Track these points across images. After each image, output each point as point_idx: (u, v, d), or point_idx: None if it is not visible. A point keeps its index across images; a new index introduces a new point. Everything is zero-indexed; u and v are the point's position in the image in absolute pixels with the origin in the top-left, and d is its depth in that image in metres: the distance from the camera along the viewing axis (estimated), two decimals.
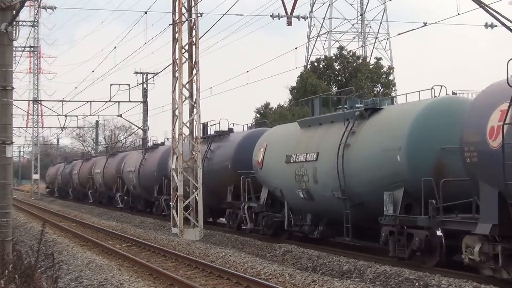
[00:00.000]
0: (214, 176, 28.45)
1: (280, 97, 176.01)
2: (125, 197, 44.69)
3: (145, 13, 30.99)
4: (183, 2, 27.21)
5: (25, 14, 79.99)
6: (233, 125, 30.60)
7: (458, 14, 21.33)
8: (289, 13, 24.95)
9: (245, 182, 25.64)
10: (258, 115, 54.52)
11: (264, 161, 24.15)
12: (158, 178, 36.57)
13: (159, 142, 42.39)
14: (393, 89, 50.18)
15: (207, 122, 31.66)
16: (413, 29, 25.16)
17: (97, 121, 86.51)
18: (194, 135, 27.66)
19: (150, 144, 42.80)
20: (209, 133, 31.37)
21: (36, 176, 75.43)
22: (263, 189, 24.87)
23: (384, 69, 50.85)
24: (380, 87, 49.08)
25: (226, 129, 30.40)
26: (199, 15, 27.36)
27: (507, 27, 16.16)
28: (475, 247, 14.17)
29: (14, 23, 16.11)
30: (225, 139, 29.54)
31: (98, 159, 55.47)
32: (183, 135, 27.34)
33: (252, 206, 25.30)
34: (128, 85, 48.68)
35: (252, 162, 25.38)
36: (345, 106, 20.43)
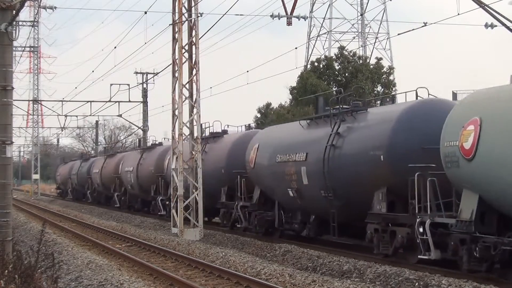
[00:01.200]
0: (208, 177, 28.43)
1: (280, 97, 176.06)
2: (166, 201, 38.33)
3: (145, 13, 30.99)
4: (183, 2, 27.21)
5: (25, 14, 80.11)
6: (227, 127, 31.17)
7: (458, 14, 21.32)
8: (289, 13, 24.94)
9: (240, 181, 26.07)
10: (259, 115, 54.51)
11: (256, 161, 24.66)
12: (155, 178, 36.60)
13: (157, 142, 42.28)
14: (394, 89, 50.17)
15: (201, 124, 31.66)
16: (413, 29, 25.14)
17: (97, 121, 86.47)
18: (194, 135, 27.67)
19: (149, 144, 42.83)
20: (203, 135, 31.46)
21: (36, 176, 75.45)
22: (255, 189, 25.36)
23: (384, 69, 50.84)
24: (380, 87, 49.06)
25: (220, 130, 30.96)
26: (199, 15, 27.37)
27: (507, 27, 16.18)
28: None
29: (14, 23, 16.10)
30: (219, 141, 29.91)
31: (127, 154, 46.38)
32: (183, 135, 27.35)
33: (245, 205, 25.81)
34: (128, 85, 48.69)
35: (245, 162, 25.78)
36: (334, 107, 20.98)
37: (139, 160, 40.36)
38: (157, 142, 42.27)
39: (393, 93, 19.58)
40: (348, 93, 23.74)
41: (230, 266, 18.26)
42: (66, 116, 54.16)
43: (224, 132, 30.81)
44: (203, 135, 31.17)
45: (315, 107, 45.56)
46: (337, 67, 49.79)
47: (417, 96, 18.40)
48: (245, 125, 30.90)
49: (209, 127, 31.46)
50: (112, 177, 46.51)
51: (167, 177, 33.71)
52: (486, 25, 25.38)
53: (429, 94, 18.57)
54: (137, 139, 53.88)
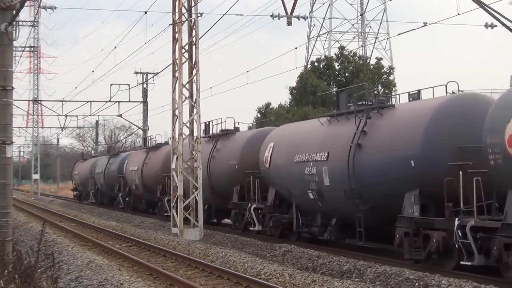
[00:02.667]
0: (219, 175, 28.16)
1: (280, 97, 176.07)
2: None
3: (145, 13, 31.01)
4: (183, 2, 27.21)
5: (25, 14, 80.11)
6: (238, 124, 30.07)
7: (458, 14, 21.32)
8: (289, 13, 24.93)
9: (254, 182, 25.09)
10: (259, 115, 54.51)
11: (271, 161, 23.67)
12: (161, 178, 35.18)
13: (163, 141, 40.67)
14: (394, 89, 50.16)
15: (210, 121, 31.28)
16: (413, 29, 25.14)
17: (97, 121, 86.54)
18: (194, 135, 27.67)
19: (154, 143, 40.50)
20: (212, 132, 30.89)
21: (36, 176, 75.44)
22: (270, 189, 24.37)
23: (385, 69, 50.85)
24: (380, 87, 49.04)
25: (232, 128, 29.71)
26: (199, 15, 27.38)
27: (507, 27, 16.18)
28: None
29: (14, 23, 16.10)
30: (231, 138, 28.85)
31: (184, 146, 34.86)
32: (183, 135, 27.35)
33: (259, 207, 24.85)
34: (128, 85, 48.71)
35: (258, 161, 24.89)
36: (358, 103, 19.89)
37: (211, 150, 30.27)
38: (162, 142, 40.63)
39: (420, 89, 18.22)
40: (374, 89, 23.78)
41: (230, 266, 18.26)
42: (66, 116, 54.17)
43: (236, 129, 29.72)
44: (213, 132, 30.61)
45: (315, 107, 45.67)
46: (337, 67, 49.79)
47: (446, 91, 17.33)
48: (256, 122, 30.51)
49: (221, 123, 30.21)
50: (159, 177, 36.20)
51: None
52: (486, 25, 25.41)
53: (459, 89, 17.73)
54: (147, 138, 46.69)
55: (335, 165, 19.60)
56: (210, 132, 30.99)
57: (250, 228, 25.67)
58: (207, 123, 31.25)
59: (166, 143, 39.29)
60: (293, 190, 22.36)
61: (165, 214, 34.24)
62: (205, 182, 28.05)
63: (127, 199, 44.22)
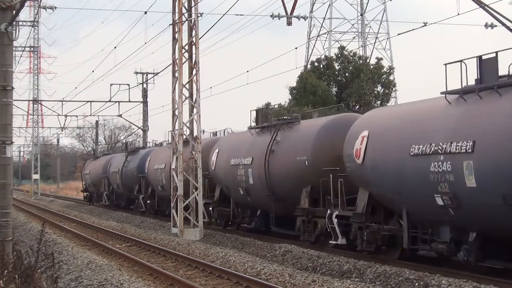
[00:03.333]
0: (281, 175, 23.78)
1: (280, 97, 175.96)
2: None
3: (145, 13, 31.00)
4: (183, 2, 27.22)
5: (25, 14, 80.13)
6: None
7: (458, 14, 21.33)
8: (289, 13, 24.95)
9: (336, 182, 24.79)
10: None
11: (216, 164, 27.88)
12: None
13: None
14: (394, 89, 50.16)
15: (262, 108, 32.41)
16: (413, 29, 25.16)
17: (97, 121, 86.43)
18: (194, 135, 27.67)
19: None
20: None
21: (36, 176, 75.45)
22: (216, 188, 28.68)
23: (385, 69, 50.81)
24: (380, 87, 49.03)
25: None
26: (199, 15, 27.38)
27: (507, 27, 16.18)
28: None
29: (14, 23, 16.10)
30: (296, 128, 24.41)
31: (224, 139, 30.19)
32: (183, 135, 27.36)
33: (208, 202, 29.01)
34: (128, 85, 48.70)
35: (342, 156, 23.67)
36: (275, 118, 25.09)
37: (269, 143, 24.61)
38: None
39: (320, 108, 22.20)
40: (286, 108, 26.88)
41: (230, 266, 18.27)
42: (66, 116, 54.15)
43: (296, 117, 25.29)
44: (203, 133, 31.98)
45: (314, 107, 45.62)
46: (337, 67, 49.77)
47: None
48: (212, 133, 32.60)
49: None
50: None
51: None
52: (486, 25, 25.42)
53: (344, 110, 23.13)
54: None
55: (257, 167, 24.56)
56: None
57: (330, 242, 20.52)
58: (262, 107, 32.64)
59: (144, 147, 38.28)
60: (230, 188, 27.13)
61: (204, 220, 28.27)
62: (263, 184, 24.08)
63: (149, 201, 38.91)
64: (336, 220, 19.49)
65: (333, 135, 21.05)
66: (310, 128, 22.43)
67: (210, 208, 29.27)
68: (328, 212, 19.85)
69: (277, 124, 24.09)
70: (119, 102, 49.87)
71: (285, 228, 24.86)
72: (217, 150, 28.29)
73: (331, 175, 19.83)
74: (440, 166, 15.26)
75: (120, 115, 51.95)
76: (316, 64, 50.57)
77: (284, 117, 25.13)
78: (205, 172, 28.12)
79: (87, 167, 58.18)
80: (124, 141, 75.04)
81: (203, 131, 31.72)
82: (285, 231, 25.13)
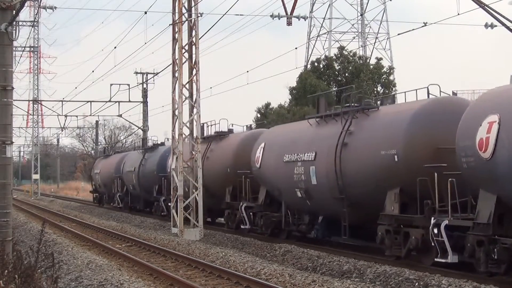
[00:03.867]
0: (213, 176, 28.21)
1: (280, 97, 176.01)
2: None
3: (145, 13, 31.00)
4: (183, 2, 27.22)
5: (25, 14, 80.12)
6: (232, 126, 30.50)
7: (458, 14, 21.33)
8: (289, 13, 24.94)
9: (245, 182, 25.67)
10: (258, 115, 54.52)
11: (262, 161, 24.02)
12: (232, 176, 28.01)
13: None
14: (393, 89, 50.17)
15: (205, 123, 31.21)
16: (413, 29, 25.16)
17: (97, 121, 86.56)
18: (194, 135, 27.67)
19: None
20: (207, 133, 31.07)
21: (36, 176, 75.45)
22: (261, 189, 24.79)
23: (385, 69, 50.85)
24: (380, 87, 49.08)
25: (226, 129, 30.19)
26: (199, 15, 27.39)
27: (507, 27, 16.18)
28: None
29: (14, 23, 16.10)
30: (225, 140, 29.25)
31: (268, 133, 26.50)
32: (183, 135, 27.36)
33: (250, 206, 25.31)
34: (128, 85, 48.68)
35: (250, 162, 25.15)
36: (345, 105, 20.52)
37: (205, 151, 29.18)
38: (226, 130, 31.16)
39: (404, 91, 18.94)
40: (359, 90, 23.40)
41: (230, 266, 18.26)
42: (66, 116, 54.15)
43: (230, 131, 29.99)
44: (207, 133, 30.89)
45: (314, 106, 45.65)
46: (337, 67, 49.79)
47: (428, 93, 17.64)
48: (247, 125, 30.18)
49: (214, 124, 30.46)
50: (228, 176, 27.55)
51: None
52: (486, 25, 25.41)
53: (441, 91, 17.91)
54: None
55: (322, 164, 20.15)
56: (205, 134, 30.84)
57: (241, 227, 26.02)
58: (202, 124, 30.68)
59: (231, 130, 30.73)
60: (283, 189, 22.91)
61: (241, 226, 26.63)
62: (331, 184, 24.09)
63: (171, 204, 31.91)
64: (445, 231, 15.41)
65: (433, 122, 17.05)
66: (398, 115, 18.28)
67: (251, 213, 25.35)
68: (433, 221, 15.64)
69: (349, 111, 19.91)
70: (119, 102, 49.87)
71: (361, 238, 20.63)
72: (262, 145, 24.31)
73: (435, 174, 15.85)
74: (298, 169, 18.24)
75: (120, 115, 51.96)
76: (316, 64, 50.60)
77: (217, 131, 28.13)
78: (245, 171, 25.54)
79: (97, 166, 53.42)
80: (125, 141, 74.27)
81: (232, 125, 30.50)
82: (361, 243, 20.94)
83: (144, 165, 38.42)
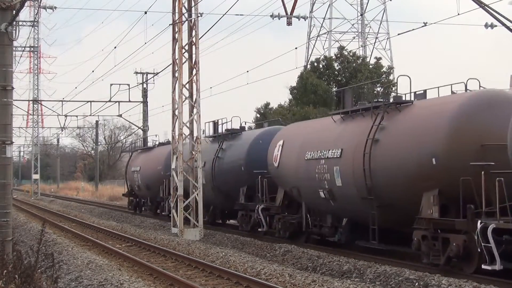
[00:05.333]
0: (226, 176, 27.23)
1: (280, 97, 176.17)
2: None
3: (145, 13, 31.01)
4: (183, 2, 27.22)
5: (25, 14, 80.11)
6: (245, 124, 29.55)
7: (458, 14, 21.33)
8: (289, 13, 24.95)
9: (262, 182, 24.31)
10: (258, 115, 54.52)
11: (280, 160, 22.64)
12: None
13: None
14: (393, 89, 50.13)
15: (218, 120, 29.93)
16: (413, 29, 25.18)
17: (97, 121, 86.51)
18: (194, 135, 27.67)
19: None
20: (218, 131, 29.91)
21: (36, 176, 75.47)
22: (279, 190, 23.53)
23: (384, 69, 50.84)
24: (380, 87, 49.05)
25: (238, 127, 28.86)
26: (199, 15, 27.39)
27: (507, 27, 16.17)
28: None
29: (14, 23, 16.10)
30: (238, 138, 27.93)
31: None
32: (183, 135, 27.35)
33: (267, 208, 24.04)
34: (128, 85, 48.68)
35: (266, 161, 23.91)
36: (375, 100, 19.46)
37: (217, 151, 28.35)
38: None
39: (437, 86, 17.31)
40: (392, 83, 21.62)
41: (230, 266, 18.26)
42: (66, 116, 54.16)
43: (243, 128, 28.98)
44: (219, 132, 29.81)
45: (316, 107, 45.66)
46: (337, 67, 49.79)
47: (466, 89, 16.56)
48: (257, 122, 28.77)
49: (226, 122, 29.21)
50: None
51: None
52: (486, 25, 25.44)
53: (480, 87, 16.86)
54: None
55: (349, 162, 18.58)
56: (220, 132, 29.68)
57: (258, 229, 24.92)
58: (216, 121, 30.11)
59: (243, 128, 29.29)
60: (304, 190, 21.36)
61: (259, 229, 25.38)
62: (210, 183, 27.23)
63: (274, 215, 25.20)
64: (493, 236, 13.81)
65: (479, 117, 15.48)
66: (436, 109, 16.61)
67: (267, 215, 24.20)
68: (480, 225, 14.01)
69: (381, 106, 18.54)
70: (119, 102, 49.85)
71: (391, 243, 18.73)
72: (281, 142, 22.92)
73: (482, 173, 14.34)
74: (322, 168, 17.85)
75: (120, 115, 51.94)
76: (315, 64, 50.60)
77: (229, 129, 27.39)
78: (262, 170, 24.40)
79: (135, 161, 42.47)
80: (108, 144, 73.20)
81: (245, 123, 29.55)
82: (391, 248, 18.90)
83: (222, 159, 28.11)
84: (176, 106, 27.50)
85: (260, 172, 24.17)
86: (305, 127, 23.09)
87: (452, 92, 17.06)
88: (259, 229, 24.92)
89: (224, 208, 26.41)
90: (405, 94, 18.32)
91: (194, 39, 27.52)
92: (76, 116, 71.09)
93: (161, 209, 35.49)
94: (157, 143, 40.70)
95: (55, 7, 39.72)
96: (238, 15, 30.96)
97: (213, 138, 21.89)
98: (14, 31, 16.05)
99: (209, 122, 30.99)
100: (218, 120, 30.01)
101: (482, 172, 14.17)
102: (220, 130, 29.32)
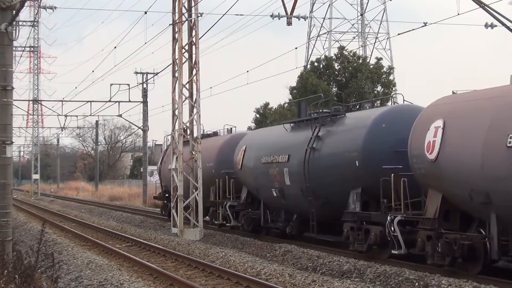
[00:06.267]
0: (327, 174, 23.85)
1: (280, 97, 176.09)
2: None
3: (145, 13, 31.01)
4: (183, 2, 27.22)
5: (25, 14, 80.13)
6: (231, 128, 30.97)
7: (458, 14, 21.34)
8: (289, 13, 24.94)
9: (229, 181, 26.83)
10: (257, 115, 54.51)
11: (243, 163, 25.41)
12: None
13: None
14: (393, 89, 50.10)
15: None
16: (413, 29, 25.20)
17: (97, 121, 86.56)
18: (194, 135, 27.67)
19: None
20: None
21: (36, 176, 75.49)
22: (243, 188, 26.15)
23: (384, 69, 50.82)
24: (380, 87, 49.02)
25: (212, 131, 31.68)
26: (199, 15, 27.38)
27: (507, 27, 16.19)
28: None
29: (14, 23, 16.10)
30: (341, 122, 25.47)
31: None
32: (183, 136, 27.35)
33: (233, 205, 26.65)
34: (128, 85, 48.70)
35: (392, 153, 22.57)
36: (315, 112, 22.23)
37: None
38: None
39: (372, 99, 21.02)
40: (326, 99, 24.74)
41: (230, 266, 18.27)
42: (66, 116, 54.16)
43: (215, 133, 31.42)
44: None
45: (315, 106, 45.63)
46: (336, 67, 49.78)
47: (393, 101, 20.43)
48: (227, 129, 30.68)
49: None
50: None
51: None
52: (486, 25, 25.45)
53: (404, 100, 19.89)
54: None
55: (295, 166, 21.66)
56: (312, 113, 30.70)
57: (226, 224, 27.35)
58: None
59: (215, 133, 31.16)
60: (261, 189, 24.37)
61: (226, 224, 27.35)
62: (299, 185, 21.47)
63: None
64: (398, 227, 16.60)
65: (391, 128, 18.52)
66: (359, 121, 19.80)
67: (235, 212, 26.77)
68: (389, 218, 16.91)
69: (319, 118, 21.11)
70: (119, 102, 49.87)
71: (329, 234, 21.65)
72: (244, 147, 25.86)
73: (227, 176, 25.00)
74: (274, 170, 22.40)
75: (120, 115, 51.97)
76: (315, 64, 50.58)
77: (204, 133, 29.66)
78: (229, 171, 27.10)
79: (163, 161, 34.83)
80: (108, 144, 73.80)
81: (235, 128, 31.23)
82: (328, 238, 21.64)
83: (319, 150, 20.60)
84: (176, 106, 27.50)
85: (391, 169, 17.46)
86: (263, 134, 26.44)
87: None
88: (227, 224, 27.19)
89: (322, 218, 20.49)
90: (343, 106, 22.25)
91: (194, 39, 27.52)
92: (76, 116, 71.22)
93: (212, 217, 29.24)
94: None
95: (55, 7, 39.75)
96: (238, 15, 30.96)
97: (295, 124, 21.49)
98: (14, 31, 16.04)
99: (290, 101, 30.27)
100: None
101: (392, 174, 17.07)
102: (303, 113, 23.31)
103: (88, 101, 50.54)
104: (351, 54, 50.08)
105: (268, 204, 24.55)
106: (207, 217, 30.39)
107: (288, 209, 23.30)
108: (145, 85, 56.24)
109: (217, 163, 28.03)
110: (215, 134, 31.32)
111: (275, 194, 23.08)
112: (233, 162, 26.53)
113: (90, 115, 54.19)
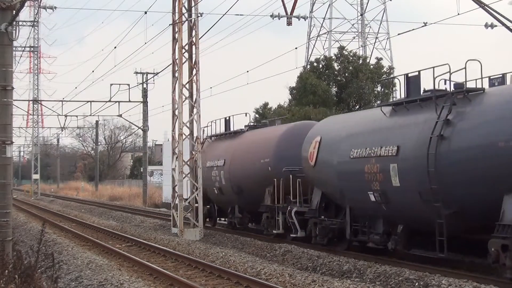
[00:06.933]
0: (247, 175, 25.14)
1: (280, 97, 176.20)
2: None
3: (145, 13, 31.01)
4: (183, 2, 27.22)
5: (25, 14, 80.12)
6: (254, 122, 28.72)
7: (458, 14, 21.36)
8: (289, 13, 24.95)
9: (294, 182, 22.12)
10: (257, 115, 54.51)
11: (318, 158, 20.44)
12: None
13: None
14: (393, 89, 50.06)
15: (230, 116, 28.01)
16: (413, 29, 25.24)
17: (97, 121, 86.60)
18: (194, 135, 27.67)
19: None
20: (216, 131, 29.39)
21: (36, 176, 75.49)
22: (315, 191, 21.16)
23: (384, 69, 50.80)
24: (380, 87, 49.01)
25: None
26: (199, 15, 27.38)
27: (507, 27, 16.19)
28: None
29: (14, 23, 16.10)
30: (258, 134, 26.34)
31: None
32: (183, 135, 27.35)
33: (301, 211, 21.66)
34: (128, 85, 48.70)
35: (300, 159, 21.80)
36: (437, 89, 16.24)
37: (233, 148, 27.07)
38: None
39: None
40: (459, 69, 15.86)
41: (230, 266, 18.27)
42: (66, 116, 54.15)
43: (264, 123, 28.24)
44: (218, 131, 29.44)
45: (316, 107, 45.61)
46: (336, 67, 49.77)
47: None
48: (270, 120, 27.44)
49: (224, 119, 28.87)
50: None
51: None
52: (486, 25, 25.42)
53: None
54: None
55: (408, 161, 16.29)
56: (232, 129, 28.69)
57: (291, 235, 22.17)
58: (227, 118, 28.82)
59: (265, 124, 28.52)
60: (348, 192, 19.10)
61: (291, 235, 22.49)
62: (417, 186, 16.10)
63: None
64: (295, 216, 20.01)
65: (292, 140, 23.84)
66: (272, 133, 25.23)
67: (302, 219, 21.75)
68: (288, 209, 23.09)
69: (239, 131, 22.55)
70: (119, 102, 49.86)
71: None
72: (317, 139, 20.76)
73: (291, 176, 23.07)
74: (372, 167, 18.51)
75: (120, 115, 51.95)
76: (315, 64, 50.57)
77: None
78: (293, 169, 22.33)
79: (211, 153, 29.20)
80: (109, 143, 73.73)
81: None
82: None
83: (449, 140, 15.42)
84: (176, 106, 27.50)
85: (292, 171, 21.62)
86: (347, 120, 20.64)
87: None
88: (292, 235, 22.33)
89: (453, 231, 15.70)
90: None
91: (194, 39, 27.52)
92: (76, 116, 71.27)
93: (267, 225, 24.53)
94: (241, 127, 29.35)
95: (55, 7, 39.66)
96: (238, 15, 30.95)
97: (399, 106, 16.92)
98: (14, 31, 16.05)
99: None
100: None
101: (291, 175, 22.13)
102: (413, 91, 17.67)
103: (88, 101, 50.57)
104: (351, 54, 50.07)
105: (357, 211, 18.94)
106: (223, 219, 28.92)
107: (390, 219, 17.68)
108: (145, 85, 56.25)
109: (276, 159, 23.42)
110: (264, 125, 27.84)
111: (373, 199, 17.58)
112: (297, 157, 21.97)
113: (90, 115, 54.20)
